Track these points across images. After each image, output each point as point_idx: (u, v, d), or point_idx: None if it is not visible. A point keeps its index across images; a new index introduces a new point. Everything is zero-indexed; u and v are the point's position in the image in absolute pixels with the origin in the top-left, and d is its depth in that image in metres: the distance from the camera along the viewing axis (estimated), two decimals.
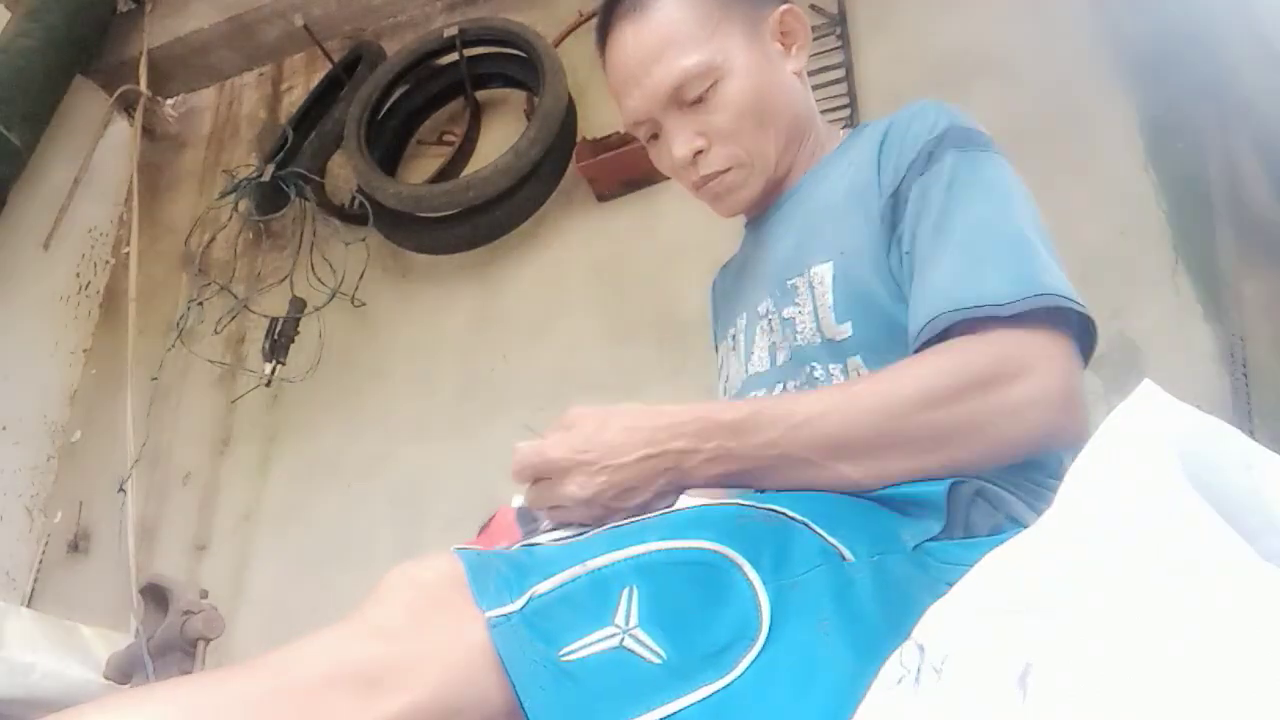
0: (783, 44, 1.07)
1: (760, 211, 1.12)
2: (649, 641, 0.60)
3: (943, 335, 0.82)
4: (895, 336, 0.89)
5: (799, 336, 0.97)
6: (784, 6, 1.08)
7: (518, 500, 1.01)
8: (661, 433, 0.79)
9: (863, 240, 0.95)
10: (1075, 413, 0.78)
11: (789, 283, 1.00)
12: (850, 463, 0.78)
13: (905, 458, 0.78)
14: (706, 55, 1.00)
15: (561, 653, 0.60)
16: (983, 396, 0.77)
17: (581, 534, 0.75)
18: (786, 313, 0.99)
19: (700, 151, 1.02)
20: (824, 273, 0.96)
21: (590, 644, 0.60)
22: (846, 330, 0.93)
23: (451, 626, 0.62)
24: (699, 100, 1.01)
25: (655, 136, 1.07)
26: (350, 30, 3.12)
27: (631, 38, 1.02)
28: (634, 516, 0.76)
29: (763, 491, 0.97)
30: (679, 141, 1.02)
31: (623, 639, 0.60)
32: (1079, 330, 0.82)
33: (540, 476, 0.80)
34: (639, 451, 0.78)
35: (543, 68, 2.40)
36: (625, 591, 0.62)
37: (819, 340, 0.95)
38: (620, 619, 0.61)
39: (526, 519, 0.97)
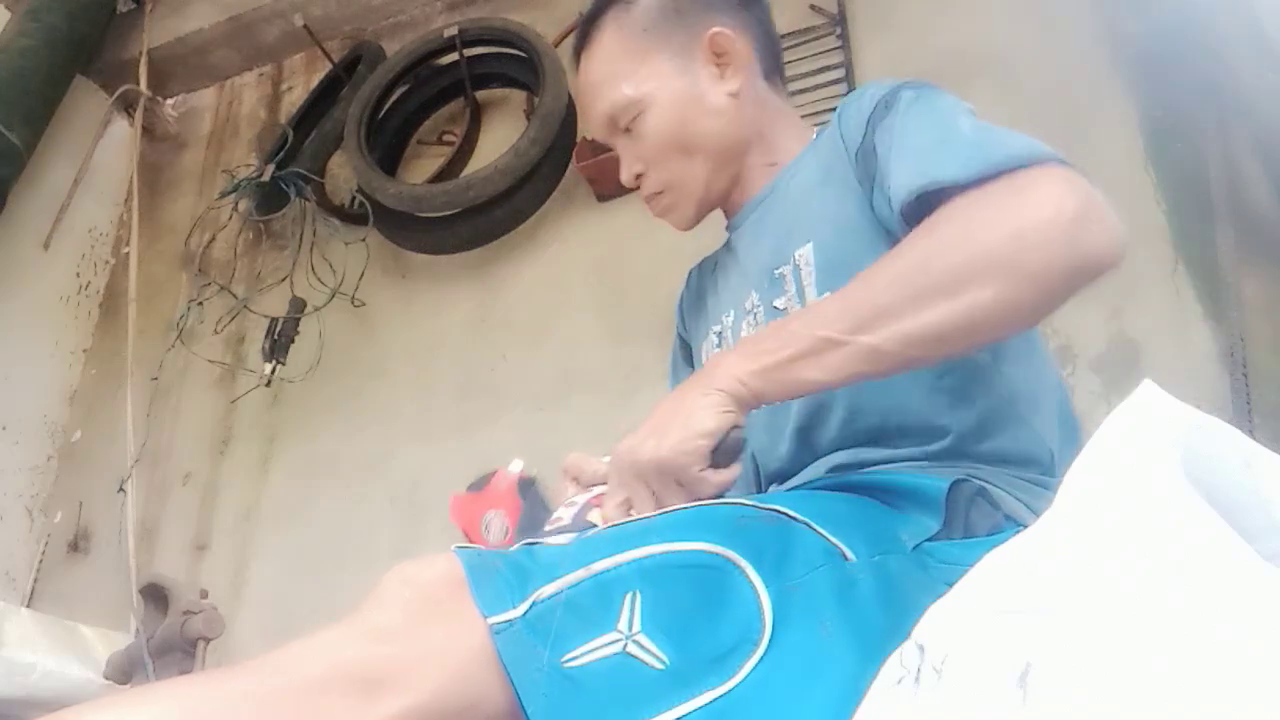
0: (717, 65, 1.06)
1: (737, 213, 1.13)
2: (652, 647, 0.60)
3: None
4: None
5: None
6: (713, 29, 1.06)
7: (516, 465, 1.01)
8: (691, 385, 0.81)
9: (841, 214, 0.96)
10: (1098, 223, 0.73)
11: (776, 272, 1.01)
12: (873, 332, 0.74)
13: (924, 308, 0.73)
14: (631, 88, 1.06)
15: (565, 658, 0.60)
16: (989, 226, 0.73)
17: (584, 531, 0.75)
18: (778, 303, 1.00)
19: (640, 174, 1.09)
20: (807, 253, 0.97)
21: (593, 649, 0.60)
22: None
23: (451, 628, 0.62)
24: (631, 127, 1.07)
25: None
26: (350, 30, 3.12)
27: (583, 67, 1.11)
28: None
29: (764, 490, 0.97)
30: (623, 166, 1.10)
31: (626, 644, 0.60)
32: None
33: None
34: (671, 401, 0.80)
35: (543, 68, 2.40)
36: (628, 596, 0.62)
37: None
38: (623, 624, 0.61)
39: (531, 495, 0.96)
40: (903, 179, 0.84)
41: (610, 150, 2.56)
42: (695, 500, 0.76)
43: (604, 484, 0.86)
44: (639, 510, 0.78)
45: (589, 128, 1.14)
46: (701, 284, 1.24)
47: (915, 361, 0.77)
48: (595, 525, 0.81)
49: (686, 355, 1.26)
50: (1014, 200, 0.74)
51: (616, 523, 0.76)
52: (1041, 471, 0.91)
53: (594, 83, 1.09)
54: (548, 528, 0.84)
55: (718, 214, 1.20)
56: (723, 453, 0.78)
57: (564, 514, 0.85)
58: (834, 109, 2.33)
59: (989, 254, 0.72)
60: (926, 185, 0.79)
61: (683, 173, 1.07)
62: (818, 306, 0.81)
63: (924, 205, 0.80)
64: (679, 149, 1.06)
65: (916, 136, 0.87)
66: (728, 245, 1.19)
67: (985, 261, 0.72)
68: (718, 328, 1.11)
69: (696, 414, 0.77)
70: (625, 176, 1.10)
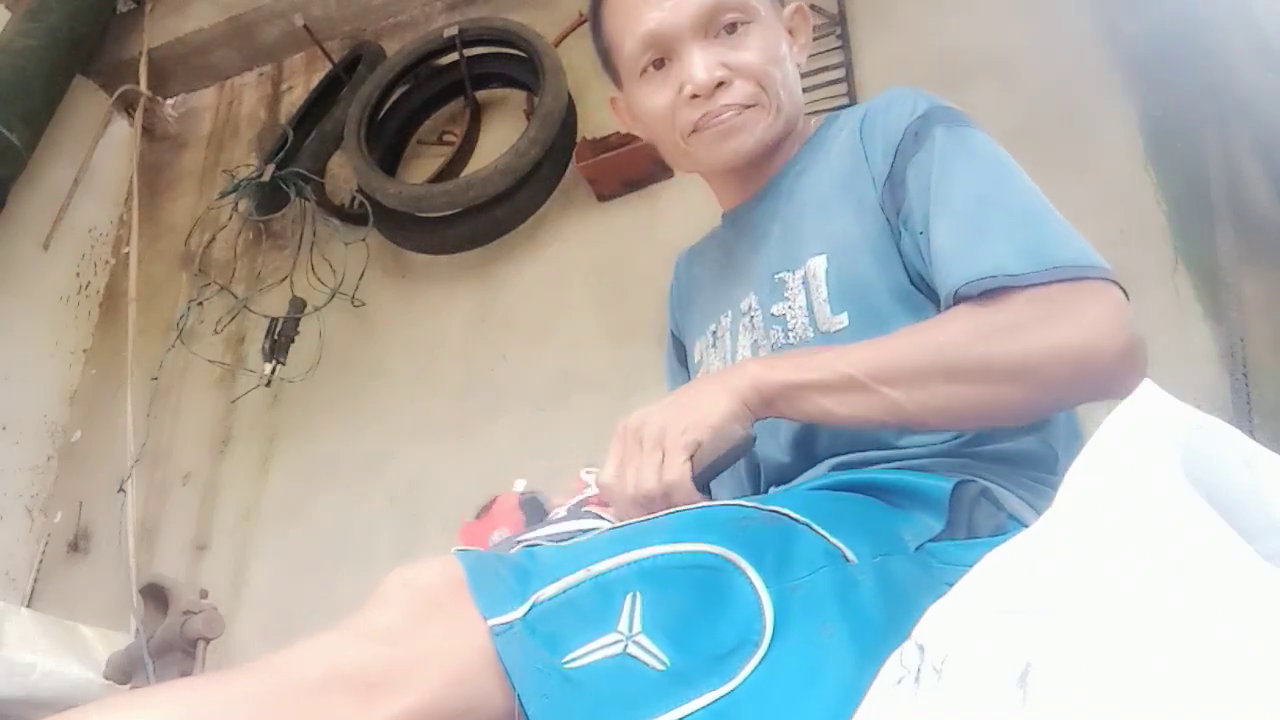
0: (790, 35, 1.07)
1: (740, 202, 1.10)
2: (652, 648, 0.60)
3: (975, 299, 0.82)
4: (891, 325, 0.88)
5: (790, 334, 0.96)
6: (796, 4, 1.08)
7: (520, 485, 1.01)
8: (712, 380, 0.83)
9: (858, 231, 0.94)
10: (1132, 360, 0.75)
11: (776, 277, 0.99)
12: (898, 388, 0.77)
13: (952, 385, 0.77)
14: None
15: (565, 659, 0.60)
16: (1037, 335, 0.76)
17: (584, 532, 0.75)
18: (776, 310, 0.98)
19: (722, 84, 0.98)
20: (817, 266, 0.95)
21: (594, 651, 0.60)
22: (842, 321, 0.92)
23: (452, 629, 0.62)
24: (731, 32, 0.98)
25: (659, 65, 1.01)
26: (350, 30, 3.12)
27: None
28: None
29: (764, 492, 0.97)
30: (703, 65, 0.97)
31: (626, 645, 0.60)
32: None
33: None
34: (691, 387, 0.81)
35: (543, 68, 2.40)
36: (629, 597, 0.62)
37: (811, 334, 0.94)
38: (624, 625, 0.61)
39: (532, 507, 0.97)
40: (952, 255, 0.83)
41: (610, 151, 2.50)
42: (664, 479, 0.78)
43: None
44: (628, 467, 0.80)
45: (668, 13, 0.98)
46: (692, 275, 1.21)
47: (924, 426, 0.81)
48: (592, 513, 0.81)
49: (680, 353, 1.24)
50: (1068, 318, 0.76)
51: (610, 488, 0.80)
52: (1046, 471, 0.91)
53: None
54: (547, 520, 0.85)
55: (711, 205, 1.18)
56: (729, 453, 0.79)
57: (561, 510, 0.86)
58: (833, 109, 2.32)
59: (1028, 360, 0.76)
60: (983, 278, 0.80)
61: (777, 95, 1.01)
62: (851, 348, 0.82)
63: (940, 293, 0.84)
64: (780, 74, 1.01)
65: (959, 191, 0.87)
66: (721, 238, 1.16)
67: (1022, 366, 0.76)
68: (713, 327, 1.09)
69: (708, 406, 0.80)
70: (705, 76, 0.96)
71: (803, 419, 0.85)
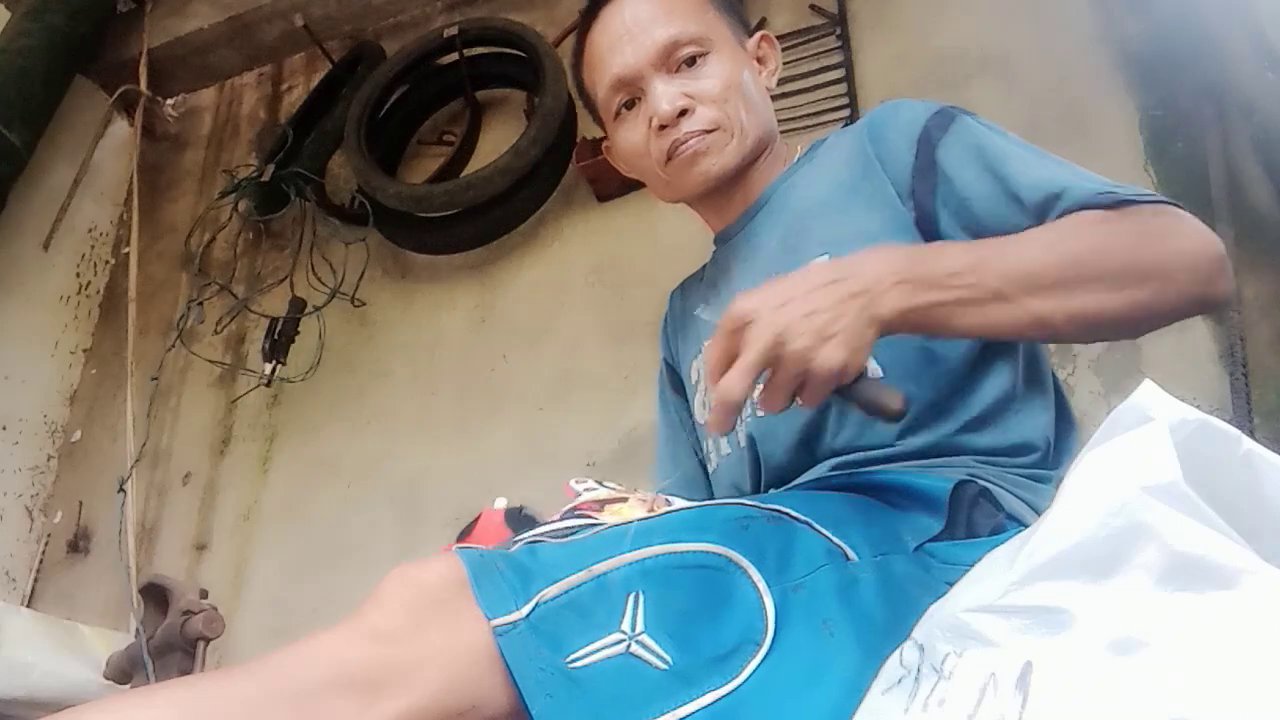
0: (759, 63, 1.13)
1: (729, 224, 1.12)
2: (655, 647, 0.60)
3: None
4: None
5: None
6: (762, 32, 1.14)
7: (501, 501, 1.01)
8: (847, 265, 0.78)
9: (869, 226, 0.96)
10: (1229, 275, 0.82)
11: None
12: (1041, 297, 0.78)
13: (1091, 292, 0.79)
14: (704, 29, 1.05)
15: (568, 659, 0.60)
16: (1162, 239, 0.80)
17: (576, 532, 0.75)
18: None
19: (685, 112, 1.03)
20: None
21: (597, 651, 0.61)
22: None
23: (452, 628, 0.62)
24: (690, 65, 1.04)
25: (631, 105, 1.08)
26: (350, 30, 3.12)
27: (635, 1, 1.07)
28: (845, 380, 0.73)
29: (780, 486, 0.97)
30: (666, 97, 1.03)
31: (629, 645, 0.61)
32: None
33: (768, 361, 0.73)
34: (829, 288, 0.74)
35: (543, 68, 2.40)
36: (631, 597, 0.62)
37: None
38: (626, 625, 0.61)
39: (516, 519, 0.96)
40: (1055, 178, 0.88)
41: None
42: (797, 405, 0.74)
43: (593, 490, 0.86)
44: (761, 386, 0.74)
45: (630, 54, 1.04)
46: (686, 303, 1.23)
47: (1061, 338, 0.86)
48: (585, 516, 0.81)
49: (676, 382, 1.25)
50: (1179, 226, 0.82)
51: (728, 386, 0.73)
52: (1040, 461, 0.91)
53: (656, 13, 1.05)
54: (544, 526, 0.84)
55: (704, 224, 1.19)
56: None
57: (555, 517, 0.85)
58: (834, 109, 2.31)
59: (1158, 261, 0.80)
60: (1109, 191, 0.84)
61: (740, 118, 1.05)
62: (989, 255, 0.80)
63: (1050, 209, 0.86)
64: (742, 98, 1.05)
65: (1016, 148, 0.92)
66: (714, 261, 1.18)
67: (1153, 267, 0.80)
68: (710, 343, 1.10)
69: (857, 337, 0.73)
70: (668, 107, 1.02)
71: (933, 334, 0.84)
